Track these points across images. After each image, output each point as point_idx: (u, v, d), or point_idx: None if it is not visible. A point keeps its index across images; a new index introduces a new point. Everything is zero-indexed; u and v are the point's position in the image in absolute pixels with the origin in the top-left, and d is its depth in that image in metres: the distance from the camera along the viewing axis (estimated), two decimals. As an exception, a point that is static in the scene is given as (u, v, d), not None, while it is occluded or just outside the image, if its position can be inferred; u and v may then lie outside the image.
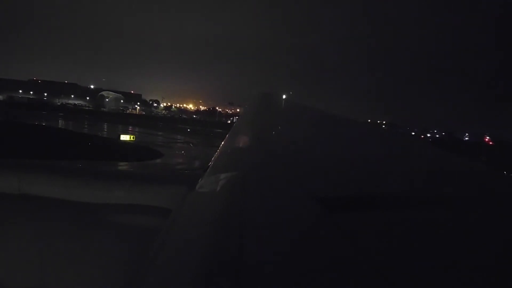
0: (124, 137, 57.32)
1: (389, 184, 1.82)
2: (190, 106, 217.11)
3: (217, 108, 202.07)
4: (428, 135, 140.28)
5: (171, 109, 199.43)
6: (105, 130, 75.58)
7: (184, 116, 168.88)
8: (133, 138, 57.65)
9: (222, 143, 3.04)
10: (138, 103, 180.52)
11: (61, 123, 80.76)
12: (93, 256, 2.33)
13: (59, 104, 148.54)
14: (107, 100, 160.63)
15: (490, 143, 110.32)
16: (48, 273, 2.32)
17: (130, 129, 79.07)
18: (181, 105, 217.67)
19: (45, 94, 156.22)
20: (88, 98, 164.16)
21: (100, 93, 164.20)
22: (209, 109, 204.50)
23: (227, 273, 0.90)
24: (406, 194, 1.64)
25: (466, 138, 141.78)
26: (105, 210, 2.53)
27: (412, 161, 2.56)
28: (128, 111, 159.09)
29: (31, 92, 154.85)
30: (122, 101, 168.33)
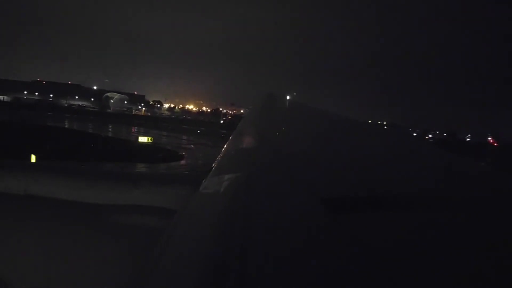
0: (142, 139, 58.32)
1: (394, 185, 1.80)
2: (192, 107, 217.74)
3: (220, 108, 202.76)
4: (430, 135, 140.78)
5: (175, 111, 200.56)
6: (120, 131, 76.40)
7: (188, 117, 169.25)
8: (151, 139, 58.51)
9: (226, 144, 3.08)
10: (142, 104, 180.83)
11: (75, 124, 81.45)
12: (98, 255, 2.34)
13: (66, 105, 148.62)
14: (111, 101, 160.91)
15: (495, 144, 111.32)
16: (53, 272, 2.33)
17: (142, 131, 79.86)
18: (183, 106, 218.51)
19: (51, 95, 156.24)
20: (92, 99, 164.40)
21: (105, 94, 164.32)
22: (212, 110, 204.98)
23: (231, 273, 0.89)
24: (410, 194, 1.62)
25: (468, 139, 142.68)
26: (110, 211, 2.54)
27: (416, 162, 2.57)
28: (133, 112, 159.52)
29: (36, 93, 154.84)
30: (126, 102, 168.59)
